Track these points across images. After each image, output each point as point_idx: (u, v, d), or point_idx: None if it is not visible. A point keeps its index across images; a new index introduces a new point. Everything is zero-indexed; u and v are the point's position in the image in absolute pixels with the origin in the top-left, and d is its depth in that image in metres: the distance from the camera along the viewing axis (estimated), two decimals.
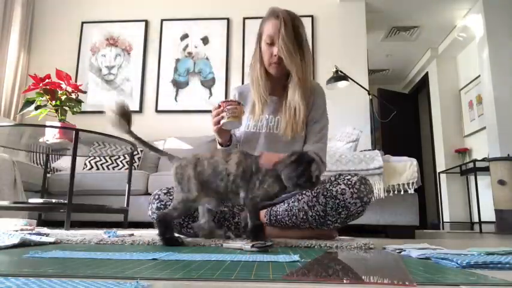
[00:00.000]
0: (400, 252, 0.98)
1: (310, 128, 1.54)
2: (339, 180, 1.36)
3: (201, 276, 0.55)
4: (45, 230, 1.84)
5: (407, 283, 0.51)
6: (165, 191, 1.43)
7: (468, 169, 4.74)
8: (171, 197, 1.40)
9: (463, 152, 5.24)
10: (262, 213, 1.46)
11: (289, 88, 1.49)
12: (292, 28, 1.42)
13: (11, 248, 0.94)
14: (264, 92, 1.49)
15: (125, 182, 2.55)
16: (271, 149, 1.47)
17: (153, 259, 0.74)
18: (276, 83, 1.55)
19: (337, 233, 1.55)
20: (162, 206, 1.40)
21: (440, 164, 5.55)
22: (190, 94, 4.09)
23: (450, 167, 5.25)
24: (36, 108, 2.16)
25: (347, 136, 3.00)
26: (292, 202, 1.40)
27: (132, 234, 1.54)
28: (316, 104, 1.56)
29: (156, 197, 1.43)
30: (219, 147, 1.46)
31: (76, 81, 3.34)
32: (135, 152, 3.33)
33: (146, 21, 4.28)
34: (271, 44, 1.46)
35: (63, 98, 2.21)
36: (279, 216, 1.42)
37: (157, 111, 4.09)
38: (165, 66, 4.17)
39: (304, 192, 1.38)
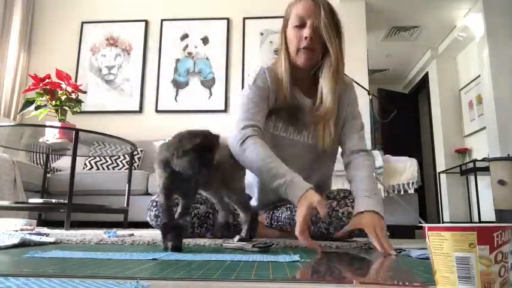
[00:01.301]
0: (400, 252, 0.98)
1: (351, 124, 1.35)
2: (346, 201, 1.29)
3: (201, 276, 0.55)
4: (45, 230, 1.84)
5: (409, 283, 0.51)
6: None
7: (468, 169, 4.74)
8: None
9: (463, 152, 5.23)
10: (263, 215, 1.45)
11: (320, 79, 1.28)
12: (328, 10, 1.23)
13: (11, 248, 0.94)
14: (285, 88, 1.26)
15: (125, 182, 2.56)
16: (298, 158, 1.29)
17: (153, 259, 0.74)
18: (303, 82, 1.32)
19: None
20: (159, 214, 1.35)
21: (440, 164, 5.54)
22: (190, 94, 4.09)
23: (450, 167, 5.24)
24: (36, 108, 2.16)
25: None
26: (295, 211, 1.22)
27: (132, 234, 1.54)
28: (351, 99, 1.38)
29: (154, 204, 1.38)
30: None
31: (76, 81, 3.34)
32: (135, 152, 3.32)
33: (146, 21, 4.28)
34: (301, 25, 1.23)
35: (63, 98, 2.21)
36: (280, 222, 1.41)
37: (157, 111, 4.09)
38: (165, 66, 4.17)
39: None
